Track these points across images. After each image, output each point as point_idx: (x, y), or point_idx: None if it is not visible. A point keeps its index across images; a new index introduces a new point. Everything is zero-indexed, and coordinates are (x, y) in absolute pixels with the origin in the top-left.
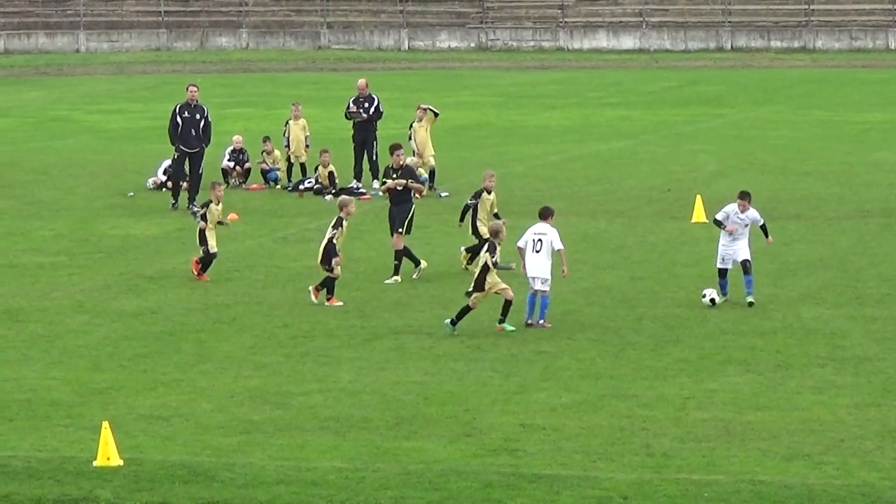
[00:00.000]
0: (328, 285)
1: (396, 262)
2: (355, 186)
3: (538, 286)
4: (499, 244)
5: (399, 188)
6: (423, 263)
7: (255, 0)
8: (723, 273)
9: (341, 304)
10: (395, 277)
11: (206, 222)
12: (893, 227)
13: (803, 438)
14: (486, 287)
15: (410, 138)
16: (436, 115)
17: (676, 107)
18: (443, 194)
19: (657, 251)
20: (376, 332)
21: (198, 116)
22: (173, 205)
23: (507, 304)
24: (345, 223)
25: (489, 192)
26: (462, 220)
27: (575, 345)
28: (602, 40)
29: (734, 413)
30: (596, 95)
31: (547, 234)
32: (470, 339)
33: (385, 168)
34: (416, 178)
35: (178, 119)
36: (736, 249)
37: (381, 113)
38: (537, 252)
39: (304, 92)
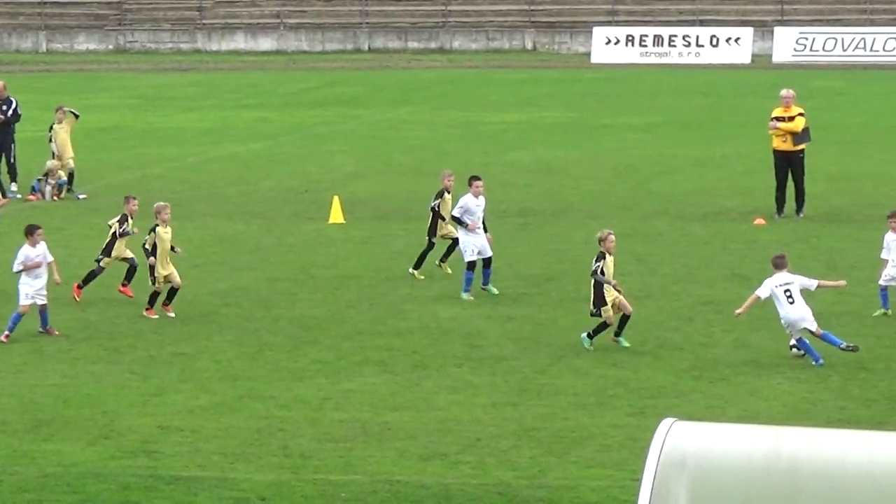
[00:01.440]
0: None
1: None
2: None
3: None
4: (607, 253)
5: None
6: None
7: None
8: (471, 266)
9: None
10: None
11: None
12: (529, 227)
13: (440, 438)
14: (608, 300)
15: (51, 140)
16: (76, 117)
17: (314, 108)
18: (80, 196)
19: (294, 252)
20: (14, 335)
21: None
22: None
23: (625, 318)
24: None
25: (449, 192)
26: (433, 231)
27: (212, 346)
28: (240, 42)
29: (371, 413)
30: (234, 97)
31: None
32: (108, 341)
33: None
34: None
35: None
36: (482, 241)
37: (20, 115)
38: None
39: None
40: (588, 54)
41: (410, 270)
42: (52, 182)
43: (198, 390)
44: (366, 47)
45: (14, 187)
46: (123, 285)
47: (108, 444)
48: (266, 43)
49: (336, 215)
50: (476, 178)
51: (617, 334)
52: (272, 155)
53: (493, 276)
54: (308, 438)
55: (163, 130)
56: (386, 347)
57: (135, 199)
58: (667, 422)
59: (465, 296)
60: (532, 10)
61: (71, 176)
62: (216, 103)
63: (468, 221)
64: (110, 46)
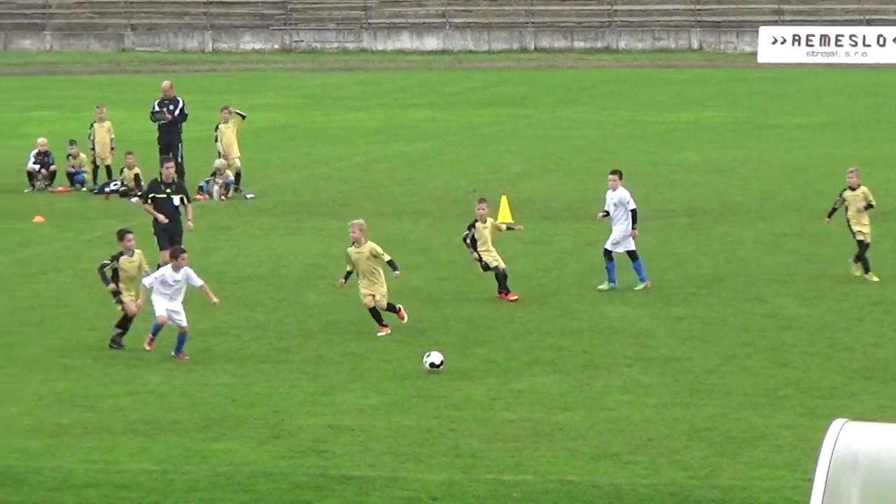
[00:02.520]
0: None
1: None
2: None
3: None
4: None
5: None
6: None
7: (59, 2)
8: (605, 254)
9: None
10: None
11: None
12: (697, 227)
13: (611, 438)
14: None
15: (217, 140)
16: (243, 117)
17: (481, 107)
18: (248, 196)
19: (463, 252)
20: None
21: None
22: None
23: None
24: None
25: (854, 189)
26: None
27: (382, 346)
28: (406, 41)
29: (542, 413)
30: (400, 96)
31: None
32: (277, 340)
33: (152, 182)
34: (186, 193)
35: None
36: (616, 233)
37: (186, 115)
38: None
39: (108, 94)
40: (754, 54)
41: (859, 274)
42: (220, 181)
43: (368, 390)
44: (532, 47)
45: None
46: (500, 293)
47: (279, 444)
48: (432, 42)
49: (504, 215)
50: (611, 171)
51: None
52: (439, 154)
53: (659, 276)
54: (479, 438)
55: (330, 130)
56: (556, 347)
57: (484, 200)
58: (838, 422)
59: (601, 286)
60: (698, 10)
61: (238, 175)
62: (382, 103)
63: (600, 213)
64: (276, 46)
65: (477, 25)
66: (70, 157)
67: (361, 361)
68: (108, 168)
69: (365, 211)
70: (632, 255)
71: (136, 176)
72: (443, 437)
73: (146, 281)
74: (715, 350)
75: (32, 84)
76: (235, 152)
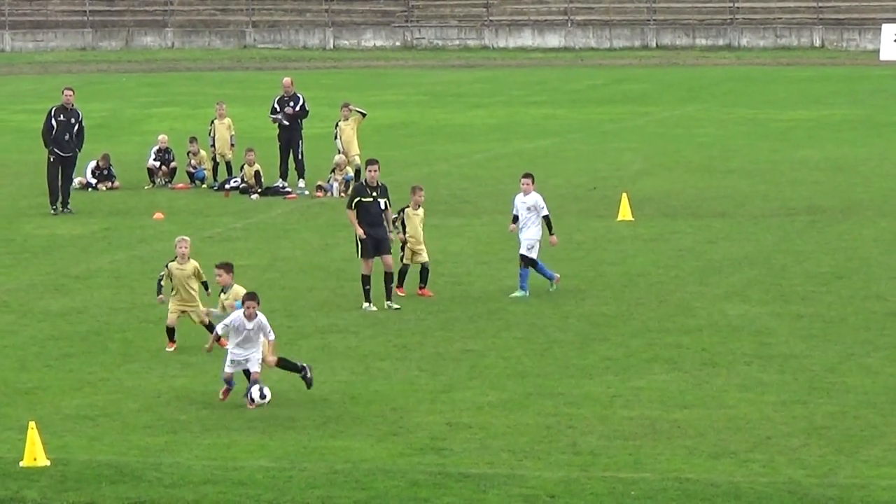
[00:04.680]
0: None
1: (391, 285)
2: (281, 185)
3: None
4: None
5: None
6: None
7: None
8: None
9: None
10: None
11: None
12: (818, 225)
13: (730, 436)
14: None
15: (336, 137)
16: (363, 115)
17: (602, 105)
18: None
19: (583, 249)
20: (303, 331)
21: (73, 121)
22: (53, 210)
23: None
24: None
25: None
26: None
27: (501, 343)
28: (527, 38)
29: (660, 411)
30: (521, 94)
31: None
32: (396, 338)
33: (357, 185)
34: (389, 198)
35: (53, 122)
36: (530, 237)
37: (307, 112)
38: None
39: (229, 91)
40: (876, 51)
41: None
42: (339, 178)
43: (486, 387)
44: (653, 44)
45: (302, 184)
46: (399, 286)
47: (397, 441)
48: (553, 40)
49: (625, 212)
50: (523, 175)
51: None
52: (560, 152)
53: (779, 274)
54: (597, 436)
55: (450, 127)
56: (675, 345)
57: (421, 188)
58: None
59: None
60: (821, 7)
61: (357, 173)
62: (503, 100)
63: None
64: (397, 43)
65: (599, 23)
66: (190, 155)
67: (480, 359)
68: (228, 165)
69: (484, 208)
70: (527, 260)
71: (257, 173)
72: (561, 435)
73: (219, 328)
74: (834, 348)
75: (154, 81)
76: (355, 150)
